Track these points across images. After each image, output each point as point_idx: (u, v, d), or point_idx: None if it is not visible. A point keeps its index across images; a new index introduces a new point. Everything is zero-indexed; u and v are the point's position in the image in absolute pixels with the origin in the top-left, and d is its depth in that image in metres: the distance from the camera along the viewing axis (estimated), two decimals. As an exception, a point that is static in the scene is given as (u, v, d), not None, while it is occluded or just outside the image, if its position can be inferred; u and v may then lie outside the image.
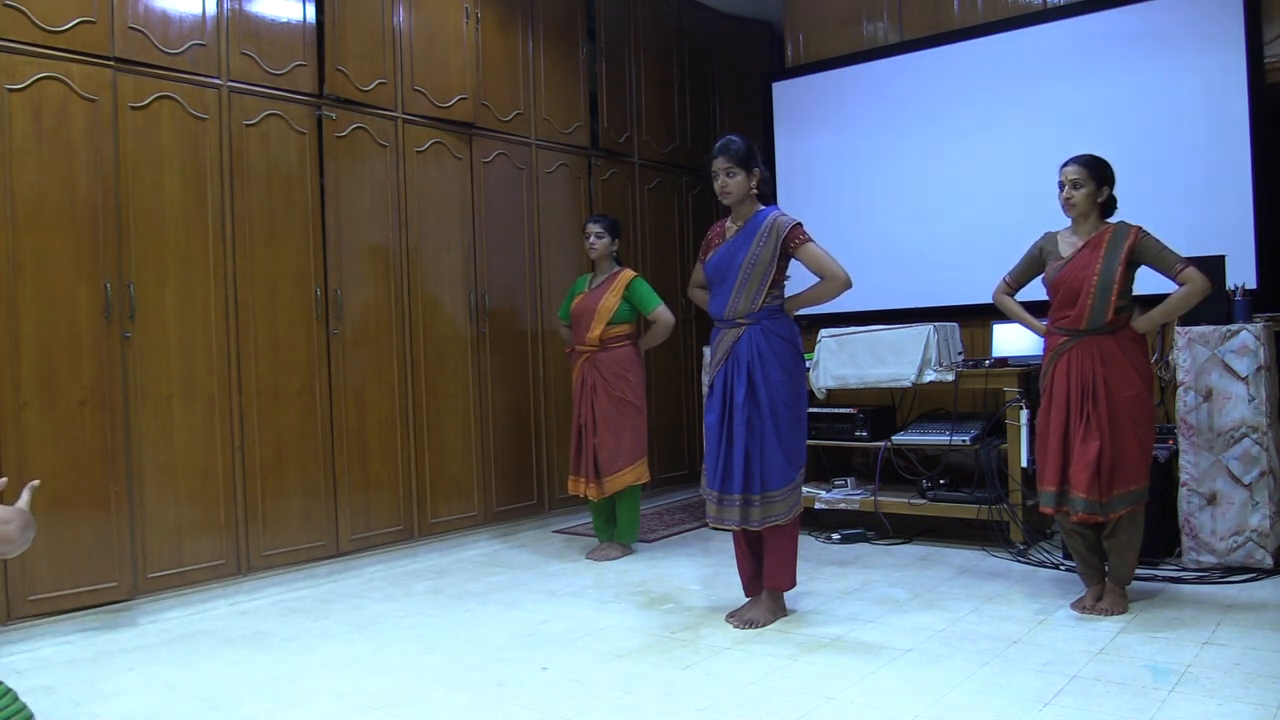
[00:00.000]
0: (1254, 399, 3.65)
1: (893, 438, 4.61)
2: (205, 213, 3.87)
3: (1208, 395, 3.73)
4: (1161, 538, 3.84)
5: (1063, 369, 3.33)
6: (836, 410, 4.79)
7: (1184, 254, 3.27)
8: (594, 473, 4.43)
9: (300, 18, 4.19)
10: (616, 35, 5.82)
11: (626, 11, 5.89)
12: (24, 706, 1.63)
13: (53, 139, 3.45)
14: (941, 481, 4.47)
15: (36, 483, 1.88)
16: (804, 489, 3.42)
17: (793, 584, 3.41)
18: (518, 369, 5.14)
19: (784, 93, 5.84)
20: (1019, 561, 4.06)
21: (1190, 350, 3.77)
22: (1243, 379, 3.68)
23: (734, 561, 3.55)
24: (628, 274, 4.50)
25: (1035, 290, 3.57)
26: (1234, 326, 3.72)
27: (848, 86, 5.56)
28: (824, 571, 4.05)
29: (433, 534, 4.67)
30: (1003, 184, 4.98)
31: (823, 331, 4.75)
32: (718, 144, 3.35)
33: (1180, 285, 3.23)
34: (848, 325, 4.76)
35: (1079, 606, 3.33)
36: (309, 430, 4.18)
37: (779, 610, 3.39)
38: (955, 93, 5.18)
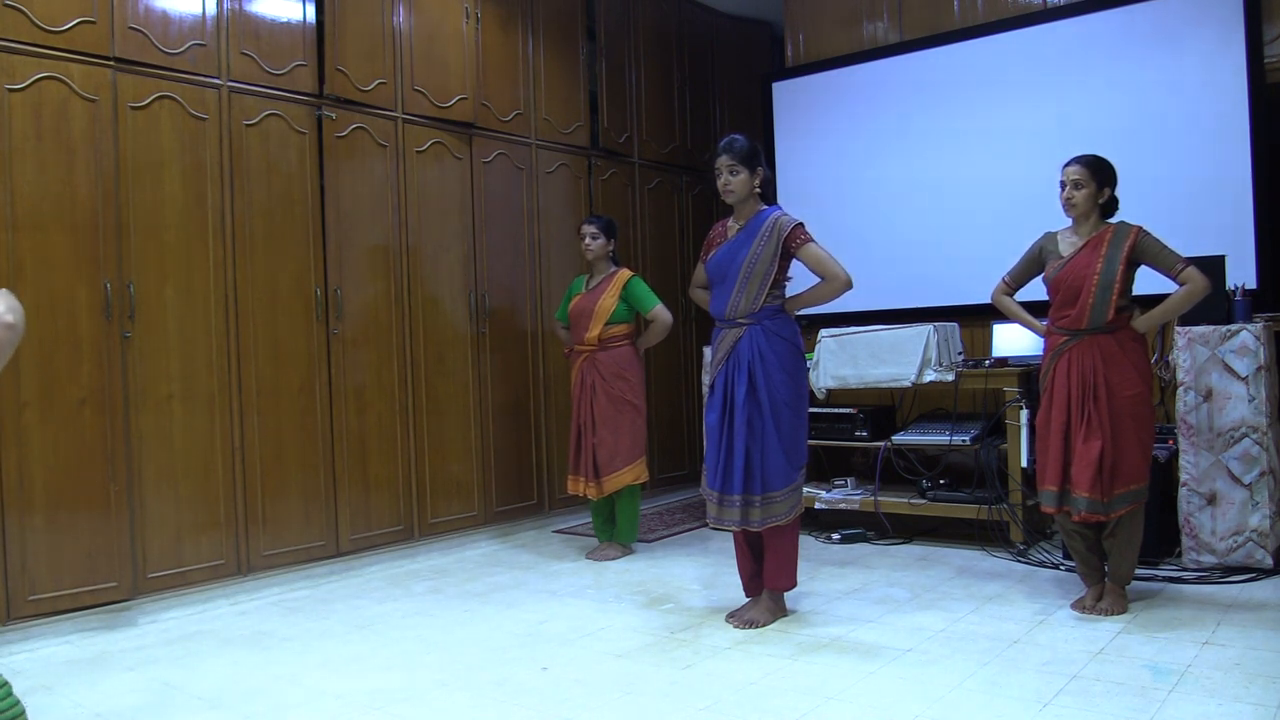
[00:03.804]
0: (1254, 399, 3.65)
1: (893, 438, 4.61)
2: (205, 213, 3.87)
3: (1208, 395, 3.73)
4: (1161, 538, 3.84)
5: (1063, 369, 3.33)
6: (836, 410, 4.79)
7: (1184, 254, 3.27)
8: (593, 472, 4.43)
9: (300, 18, 4.18)
10: (616, 35, 5.82)
11: (626, 11, 5.89)
12: (18, 702, 1.63)
13: (53, 139, 3.45)
14: (941, 481, 4.47)
15: None
16: (804, 489, 3.42)
17: (793, 584, 3.41)
18: (518, 369, 5.14)
19: (784, 93, 5.84)
20: (1019, 561, 4.06)
21: (1190, 350, 3.77)
22: (1243, 379, 3.68)
23: (734, 561, 3.56)
24: (625, 274, 4.50)
25: (1035, 290, 3.57)
26: (1234, 326, 3.72)
27: (848, 86, 5.56)
28: (824, 571, 4.05)
29: (433, 534, 4.67)
30: (1003, 184, 4.98)
31: (823, 331, 4.75)
32: (722, 142, 3.35)
33: (1181, 285, 3.23)
34: (848, 325, 4.76)
35: (1079, 606, 3.33)
36: (309, 430, 4.18)
37: (779, 610, 3.39)
38: (955, 93, 5.18)
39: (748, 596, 3.49)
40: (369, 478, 4.40)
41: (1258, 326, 3.71)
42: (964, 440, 4.37)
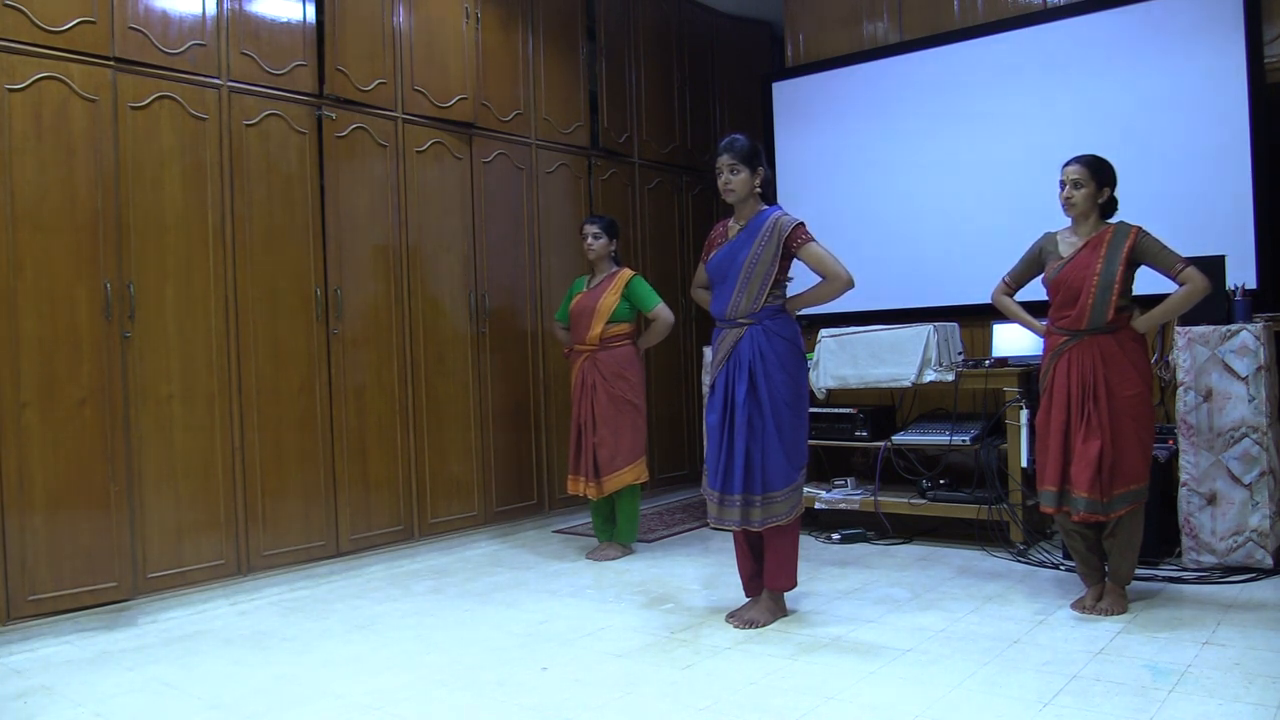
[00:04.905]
0: (1254, 399, 3.65)
1: (893, 438, 4.61)
2: (205, 213, 3.87)
3: (1208, 395, 3.73)
4: (1161, 538, 3.84)
5: (1063, 369, 3.33)
6: (836, 410, 4.79)
7: (1184, 254, 3.27)
8: (593, 472, 4.43)
9: (300, 18, 4.19)
10: (616, 35, 5.82)
11: (626, 11, 5.89)
12: None
13: (53, 139, 3.45)
14: (941, 481, 4.47)
15: None
16: (804, 489, 3.42)
17: (793, 584, 3.41)
18: (518, 369, 5.14)
19: (784, 93, 5.84)
20: (1019, 561, 4.06)
21: (1190, 350, 3.77)
22: (1243, 379, 3.68)
23: (734, 561, 3.55)
24: (626, 273, 4.51)
25: (1036, 290, 3.57)
26: (1234, 326, 3.72)
27: (848, 86, 5.56)
28: (824, 571, 4.05)
29: (433, 534, 4.67)
30: (1003, 184, 4.98)
31: (823, 331, 4.75)
32: (723, 141, 3.35)
33: (1180, 285, 3.23)
34: (848, 325, 4.76)
35: (1079, 606, 3.33)
36: (309, 430, 4.18)
37: (779, 610, 3.39)
38: (955, 93, 5.17)
39: (748, 596, 3.49)
40: (369, 478, 4.40)
41: (1258, 326, 3.71)
42: (964, 440, 4.37)
